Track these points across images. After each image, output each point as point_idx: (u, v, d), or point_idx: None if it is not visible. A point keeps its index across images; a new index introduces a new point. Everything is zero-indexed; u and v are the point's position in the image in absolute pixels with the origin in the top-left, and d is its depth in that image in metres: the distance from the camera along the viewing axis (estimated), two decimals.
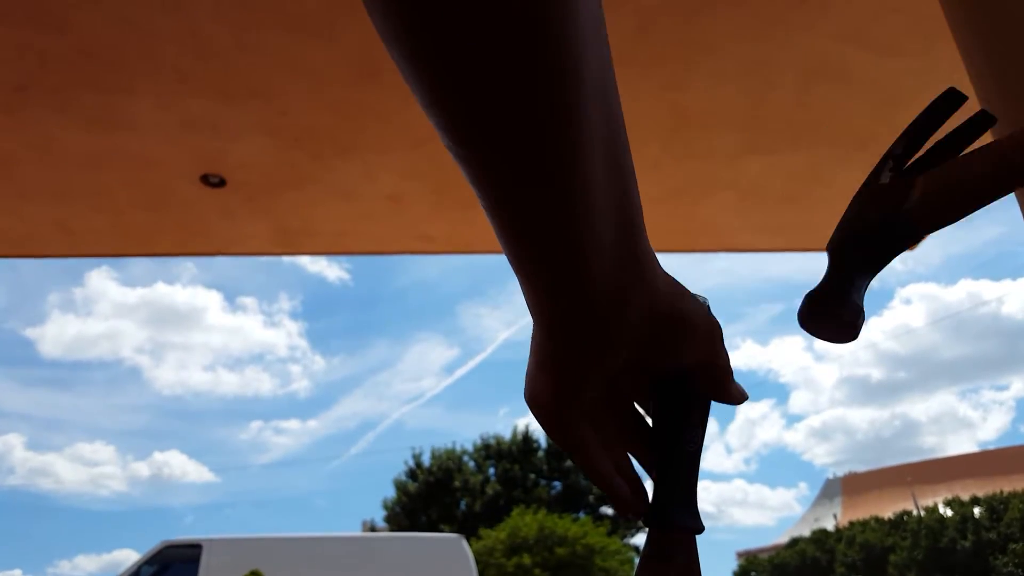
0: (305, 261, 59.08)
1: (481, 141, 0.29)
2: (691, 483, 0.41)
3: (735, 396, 0.42)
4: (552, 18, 0.27)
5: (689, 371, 0.41)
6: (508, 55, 0.27)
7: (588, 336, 0.36)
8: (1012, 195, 1.04)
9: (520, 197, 0.31)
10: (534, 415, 0.40)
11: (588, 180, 0.31)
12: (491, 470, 25.18)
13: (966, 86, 1.11)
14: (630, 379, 0.42)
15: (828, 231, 0.46)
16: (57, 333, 62.03)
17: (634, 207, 0.35)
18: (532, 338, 0.38)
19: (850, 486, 42.84)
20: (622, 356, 0.38)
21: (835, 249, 0.45)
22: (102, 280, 62.57)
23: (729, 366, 0.41)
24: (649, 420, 0.44)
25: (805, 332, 0.44)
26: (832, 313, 0.43)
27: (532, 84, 0.28)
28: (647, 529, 0.41)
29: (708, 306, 0.43)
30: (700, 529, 0.40)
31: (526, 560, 16.04)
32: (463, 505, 24.50)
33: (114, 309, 60.89)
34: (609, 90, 0.31)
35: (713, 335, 0.40)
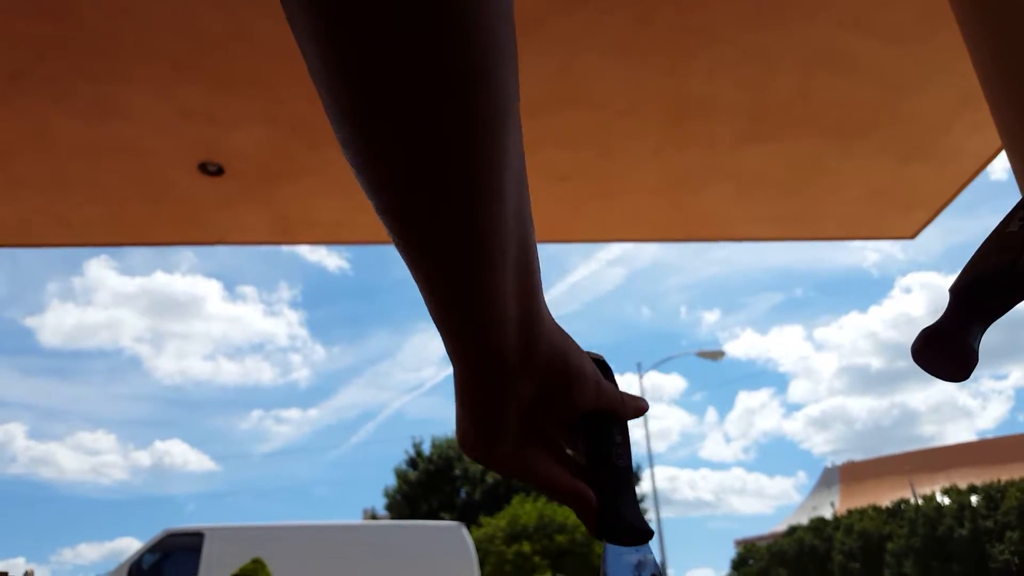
0: (305, 250, 59.06)
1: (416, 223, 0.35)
2: (632, 494, 0.44)
3: (634, 413, 0.46)
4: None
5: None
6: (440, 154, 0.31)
7: (497, 381, 0.40)
8: (1015, 184, 1.03)
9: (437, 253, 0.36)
10: (473, 460, 0.44)
11: (503, 232, 0.35)
12: None
13: (970, 74, 1.10)
14: (546, 423, 0.45)
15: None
16: (57, 322, 62.13)
17: (535, 256, 0.38)
18: (454, 384, 0.42)
19: (848, 475, 43.03)
20: (527, 397, 0.42)
21: (958, 292, 0.46)
22: (101, 269, 62.62)
23: (615, 395, 0.45)
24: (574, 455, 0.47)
25: (918, 366, 0.45)
26: (946, 353, 0.45)
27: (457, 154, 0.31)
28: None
29: (602, 358, 0.47)
30: (651, 534, 0.43)
31: (526, 548, 16.13)
32: (463, 493, 24.61)
33: (113, 298, 60.99)
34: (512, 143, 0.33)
35: (599, 383, 0.44)
